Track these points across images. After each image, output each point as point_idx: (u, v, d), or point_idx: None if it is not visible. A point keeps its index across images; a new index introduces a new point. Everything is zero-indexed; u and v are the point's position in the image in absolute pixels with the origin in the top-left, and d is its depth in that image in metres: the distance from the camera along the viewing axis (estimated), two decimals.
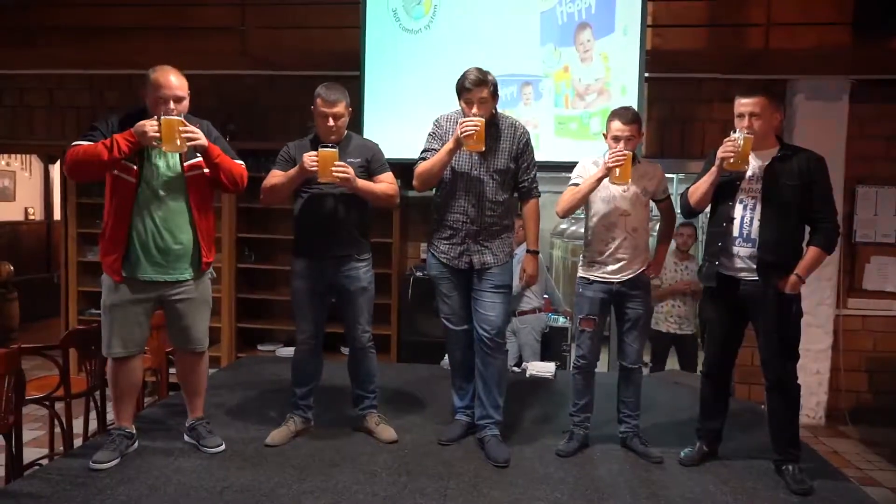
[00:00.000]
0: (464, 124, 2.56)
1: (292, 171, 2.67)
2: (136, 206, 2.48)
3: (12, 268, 6.65)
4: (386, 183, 2.80)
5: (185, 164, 2.55)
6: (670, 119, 4.81)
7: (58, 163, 6.02)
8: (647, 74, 4.19)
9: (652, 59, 4.19)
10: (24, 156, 7.96)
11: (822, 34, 4.03)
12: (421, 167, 2.76)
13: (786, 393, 2.56)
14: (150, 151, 2.50)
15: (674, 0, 4.24)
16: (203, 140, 2.47)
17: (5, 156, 7.74)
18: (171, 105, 2.44)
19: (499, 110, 2.81)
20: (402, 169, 4.82)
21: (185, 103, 2.51)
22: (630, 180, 2.62)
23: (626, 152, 2.57)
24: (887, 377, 4.81)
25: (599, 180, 2.65)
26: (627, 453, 2.76)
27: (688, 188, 2.70)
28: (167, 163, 2.53)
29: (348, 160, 2.70)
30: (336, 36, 4.46)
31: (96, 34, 4.52)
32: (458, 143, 2.61)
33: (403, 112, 4.33)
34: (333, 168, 2.55)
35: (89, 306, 5.22)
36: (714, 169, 2.53)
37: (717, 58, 4.34)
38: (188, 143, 2.42)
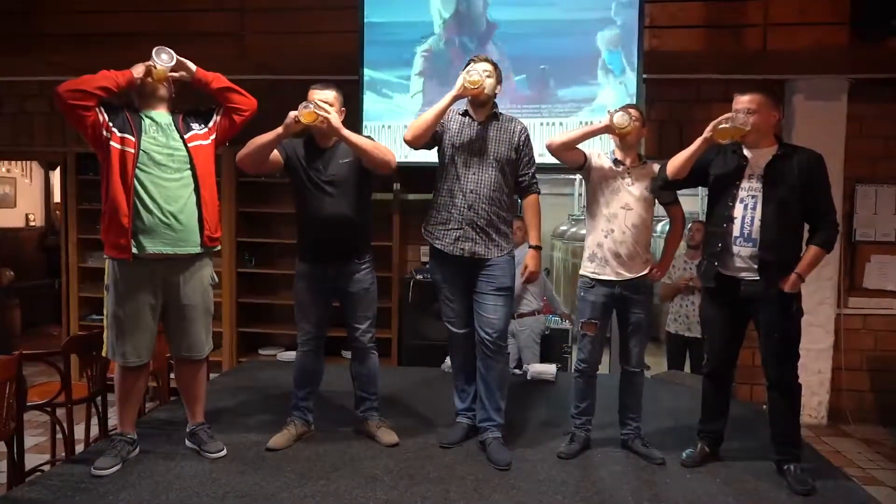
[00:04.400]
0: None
1: (277, 129, 2.64)
2: (137, 177, 2.47)
3: (13, 274, 6.66)
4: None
5: (186, 136, 2.58)
6: (669, 120, 4.82)
7: (58, 169, 6.02)
8: (644, 76, 4.20)
9: (650, 61, 4.20)
10: (24, 162, 7.98)
11: (819, 34, 4.04)
12: (416, 118, 2.75)
13: (787, 393, 2.56)
14: (146, 125, 2.53)
15: (671, 1, 4.24)
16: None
17: (6, 162, 7.75)
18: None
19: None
20: (401, 172, 4.85)
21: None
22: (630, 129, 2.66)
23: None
24: (888, 376, 4.81)
25: (602, 130, 2.68)
26: (629, 455, 2.76)
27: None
28: (166, 135, 2.55)
29: (341, 161, 2.73)
30: (335, 40, 4.47)
31: (97, 41, 4.53)
32: (458, 95, 2.65)
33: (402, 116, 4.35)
34: (315, 103, 2.56)
35: (90, 312, 5.23)
36: (699, 140, 2.53)
37: (715, 58, 4.34)
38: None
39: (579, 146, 2.75)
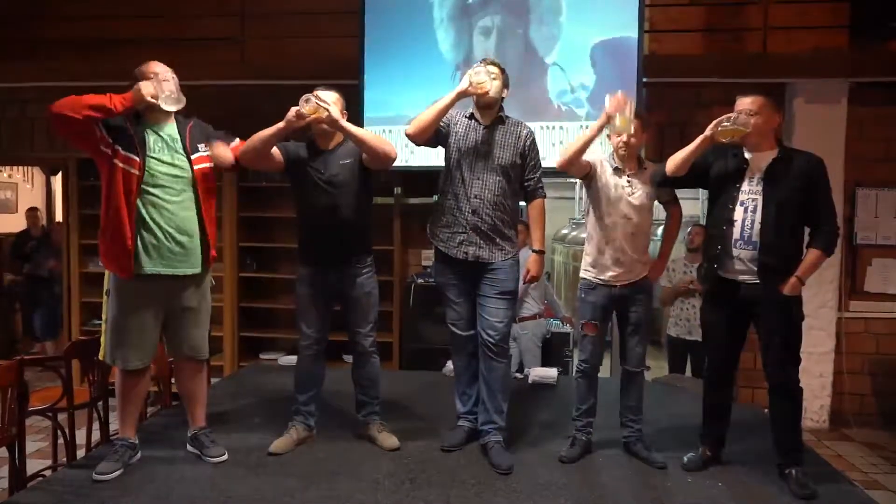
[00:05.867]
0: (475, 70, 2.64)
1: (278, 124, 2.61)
2: (140, 198, 2.44)
3: (15, 278, 6.66)
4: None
5: (193, 157, 2.55)
6: (669, 124, 4.82)
7: (59, 174, 6.04)
8: (645, 80, 4.21)
9: (650, 65, 4.21)
10: (26, 167, 8.00)
11: (819, 37, 4.06)
12: (420, 114, 2.73)
13: (788, 396, 2.56)
14: (150, 142, 2.49)
15: (671, 6, 4.26)
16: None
17: (7, 167, 7.77)
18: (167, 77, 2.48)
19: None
20: (402, 176, 4.87)
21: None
22: (630, 130, 2.60)
23: (628, 99, 2.57)
24: (890, 380, 4.80)
25: (600, 128, 2.62)
26: (631, 459, 2.76)
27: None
28: (172, 156, 2.52)
29: (341, 162, 2.74)
30: (335, 44, 4.49)
31: (98, 47, 4.56)
32: (462, 93, 2.64)
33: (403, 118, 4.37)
34: (316, 97, 2.55)
35: (92, 317, 5.24)
36: (700, 138, 2.52)
37: (716, 62, 4.36)
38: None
39: (586, 157, 2.72)
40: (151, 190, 2.46)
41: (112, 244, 2.47)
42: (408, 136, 2.73)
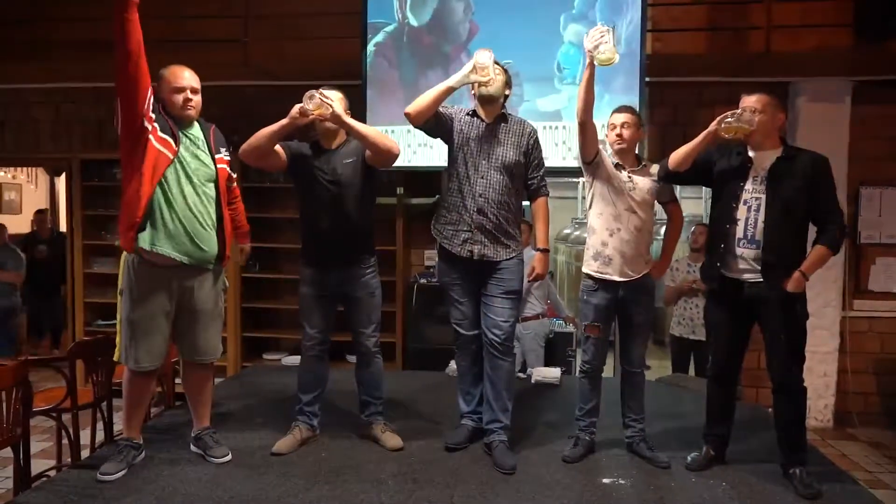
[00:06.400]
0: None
1: (281, 120, 2.63)
2: (167, 180, 2.47)
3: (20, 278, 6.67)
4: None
5: (216, 157, 2.62)
6: (672, 123, 4.81)
7: (63, 175, 6.06)
8: (647, 79, 4.20)
9: (652, 64, 4.20)
10: (29, 168, 8.02)
11: (822, 36, 4.04)
12: (421, 95, 2.71)
13: (792, 396, 2.55)
14: (185, 138, 2.55)
15: (674, 4, 4.25)
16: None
17: (11, 169, 7.79)
18: (189, 95, 2.54)
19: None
20: (405, 176, 4.87)
21: (199, 97, 2.60)
22: (616, 58, 2.50)
23: (603, 29, 2.48)
24: (895, 379, 4.79)
25: (591, 66, 2.51)
26: (634, 458, 2.75)
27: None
28: (197, 148, 2.58)
29: (345, 161, 2.75)
30: (337, 45, 4.49)
31: (101, 47, 4.53)
32: (463, 81, 2.62)
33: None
34: (321, 94, 2.55)
35: (96, 318, 5.25)
36: (704, 133, 2.51)
37: (718, 61, 4.35)
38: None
39: (597, 141, 2.71)
40: (177, 176, 2.50)
41: (129, 217, 2.46)
42: (406, 115, 2.68)
